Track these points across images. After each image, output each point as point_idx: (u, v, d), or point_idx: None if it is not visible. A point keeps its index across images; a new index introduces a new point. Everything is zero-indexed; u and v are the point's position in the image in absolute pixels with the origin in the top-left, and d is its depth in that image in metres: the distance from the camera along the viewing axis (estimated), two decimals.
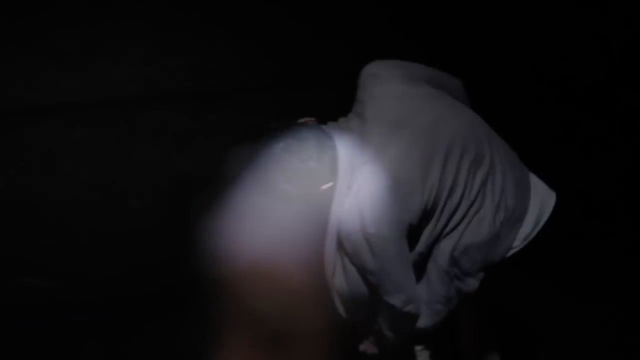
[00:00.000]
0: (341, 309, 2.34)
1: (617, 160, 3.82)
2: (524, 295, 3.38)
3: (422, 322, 2.38)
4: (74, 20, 3.30)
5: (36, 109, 3.38)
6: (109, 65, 3.38)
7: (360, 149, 2.21)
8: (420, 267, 2.33)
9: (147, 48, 3.40)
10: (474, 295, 2.42)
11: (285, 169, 2.13)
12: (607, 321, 3.30)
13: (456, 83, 2.49)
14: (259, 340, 2.38)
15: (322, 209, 2.17)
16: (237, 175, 2.15)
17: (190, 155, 3.51)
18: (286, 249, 2.10)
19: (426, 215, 2.26)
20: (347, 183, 2.19)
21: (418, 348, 2.56)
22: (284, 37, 3.48)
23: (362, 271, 2.22)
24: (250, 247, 2.11)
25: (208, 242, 2.17)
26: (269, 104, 3.49)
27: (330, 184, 2.18)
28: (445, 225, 2.31)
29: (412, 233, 2.26)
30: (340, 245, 2.22)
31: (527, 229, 2.41)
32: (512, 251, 2.40)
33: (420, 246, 2.30)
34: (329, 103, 2.71)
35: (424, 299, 2.35)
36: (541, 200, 2.46)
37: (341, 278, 2.27)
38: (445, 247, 2.32)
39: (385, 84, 2.29)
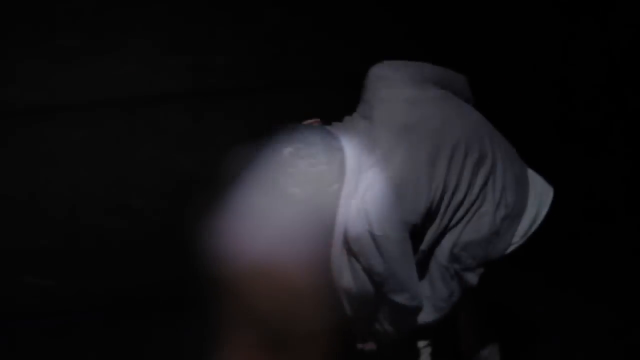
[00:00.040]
0: (347, 307, 2.35)
1: (618, 160, 3.83)
2: (524, 292, 3.39)
3: (424, 318, 2.40)
4: (75, 20, 3.30)
5: (37, 109, 3.38)
6: (110, 65, 3.38)
7: (368, 152, 2.21)
8: (421, 265, 2.34)
9: (148, 48, 3.40)
10: (475, 292, 2.44)
11: (295, 174, 2.11)
12: (607, 318, 3.31)
13: (461, 80, 2.50)
14: (261, 340, 2.38)
15: (328, 210, 2.16)
16: (242, 176, 2.14)
17: (192, 155, 3.51)
18: (290, 250, 2.10)
19: (430, 215, 2.28)
20: (354, 185, 2.19)
21: (419, 346, 2.56)
22: (285, 37, 3.48)
23: (369, 271, 2.23)
24: (253, 248, 2.10)
25: (210, 242, 2.16)
26: (270, 104, 3.48)
27: (337, 185, 2.17)
28: (448, 224, 2.33)
29: (416, 232, 2.27)
30: (347, 246, 2.22)
31: (526, 225, 2.43)
32: (512, 247, 2.42)
33: (423, 245, 2.32)
34: (329, 103, 2.71)
35: (425, 296, 2.37)
36: (540, 195, 2.48)
37: (348, 277, 2.27)
38: (445, 243, 2.35)
39: (394, 88, 2.28)
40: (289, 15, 3.45)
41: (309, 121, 2.29)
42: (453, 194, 2.29)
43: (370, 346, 2.53)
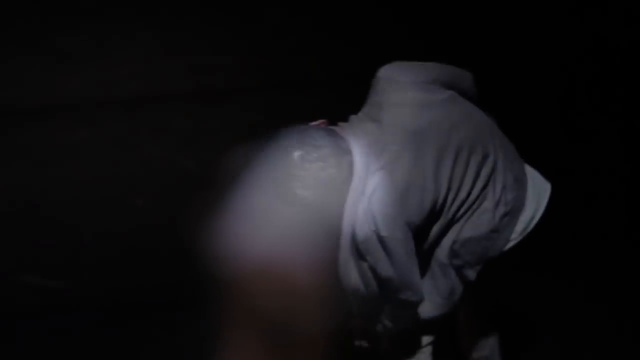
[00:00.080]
0: (353, 305, 2.35)
1: (619, 158, 3.84)
2: (524, 290, 3.40)
3: (426, 315, 2.41)
4: (76, 20, 3.30)
5: (38, 109, 3.39)
6: (111, 65, 3.39)
7: (377, 155, 2.20)
8: (423, 262, 2.36)
9: (149, 48, 3.41)
10: (475, 290, 2.46)
11: (305, 177, 2.10)
12: (608, 317, 3.32)
13: (468, 78, 2.50)
14: (262, 341, 2.38)
15: (335, 212, 2.15)
16: (248, 177, 2.12)
17: (193, 155, 3.51)
18: (297, 252, 2.09)
19: (434, 215, 2.30)
20: (362, 188, 2.18)
21: (420, 346, 2.56)
22: (286, 38, 3.48)
23: (375, 271, 2.24)
24: (260, 249, 2.10)
25: (215, 243, 2.15)
26: (271, 104, 3.48)
27: (345, 188, 2.17)
28: (449, 223, 2.35)
29: (419, 231, 2.28)
30: (355, 247, 2.22)
31: (524, 222, 2.45)
32: (510, 244, 2.44)
33: (425, 243, 2.34)
34: (331, 103, 2.71)
35: (427, 293, 2.38)
36: (538, 192, 2.50)
37: (356, 278, 2.28)
38: (446, 241, 2.37)
39: (404, 91, 2.27)
40: (290, 16, 3.45)
41: (316, 122, 2.28)
42: (456, 194, 2.31)
43: (368, 343, 2.54)
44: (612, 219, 3.81)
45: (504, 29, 3.60)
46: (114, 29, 3.34)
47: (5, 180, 3.46)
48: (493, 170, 2.37)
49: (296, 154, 2.11)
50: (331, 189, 2.13)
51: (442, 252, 2.37)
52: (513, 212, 2.42)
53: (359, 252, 2.22)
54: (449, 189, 2.29)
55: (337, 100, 3.05)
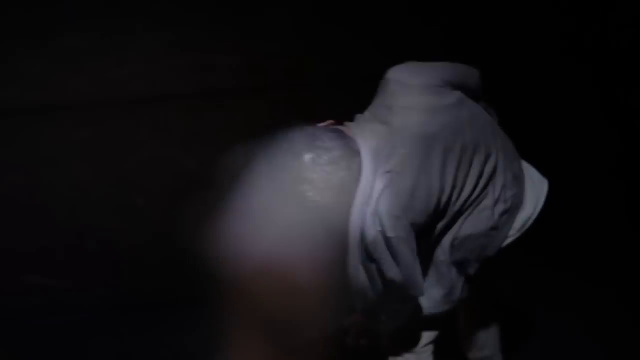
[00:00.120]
0: (359, 304, 2.36)
1: (618, 156, 3.85)
2: (524, 289, 3.41)
3: (426, 312, 2.44)
4: (79, 20, 3.30)
5: (39, 108, 3.39)
6: (113, 64, 3.38)
7: (385, 158, 2.21)
8: (423, 259, 2.37)
9: (151, 47, 3.40)
10: (475, 287, 2.49)
11: (316, 180, 2.09)
12: (609, 315, 3.33)
13: (475, 76, 2.51)
14: (265, 341, 2.38)
15: (343, 214, 2.15)
16: (254, 177, 2.11)
17: (195, 155, 3.51)
18: (302, 253, 2.08)
19: (437, 215, 2.31)
20: (369, 191, 2.18)
21: (420, 345, 2.57)
22: (288, 37, 3.48)
23: (383, 271, 2.25)
24: (265, 250, 2.09)
25: (221, 243, 2.14)
26: (274, 104, 3.48)
27: (354, 189, 2.17)
28: (451, 221, 2.37)
29: (422, 231, 2.30)
30: (363, 249, 2.22)
31: (523, 219, 2.48)
32: (508, 240, 2.46)
33: (427, 240, 2.35)
34: (333, 103, 2.72)
35: (427, 290, 2.40)
36: (536, 189, 2.53)
37: (364, 278, 2.28)
38: (446, 238, 2.39)
39: (415, 95, 2.27)
40: (292, 15, 3.45)
41: (325, 123, 2.27)
42: (459, 193, 2.33)
43: (363, 341, 2.55)
44: (612, 218, 3.82)
45: (503, 28, 3.61)
46: (117, 28, 3.34)
47: (7, 179, 3.46)
48: (494, 169, 2.39)
49: (307, 156, 2.10)
50: (341, 192, 2.12)
51: (442, 249, 2.39)
52: (512, 210, 2.44)
53: (367, 254, 2.23)
54: (452, 189, 2.30)
55: (340, 99, 3.06)
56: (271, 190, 2.11)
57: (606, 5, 3.68)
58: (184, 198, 3.31)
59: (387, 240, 2.20)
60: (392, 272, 2.24)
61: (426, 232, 2.32)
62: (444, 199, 2.29)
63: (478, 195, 2.37)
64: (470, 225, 2.38)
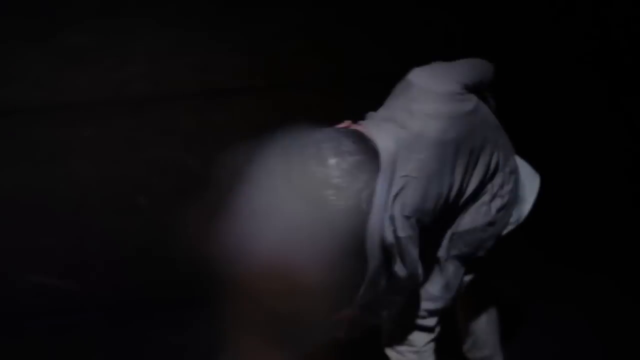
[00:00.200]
0: (361, 299, 2.37)
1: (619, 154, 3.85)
2: (523, 288, 3.41)
3: (426, 307, 2.47)
4: (82, 19, 3.31)
5: (44, 107, 3.40)
6: (117, 64, 3.40)
7: (403, 162, 2.21)
8: (422, 255, 2.38)
9: (155, 47, 3.42)
10: (472, 282, 2.52)
11: (340, 185, 2.06)
12: (609, 313, 3.33)
13: (491, 72, 2.52)
14: (268, 341, 2.38)
15: (361, 218, 2.14)
16: (270, 178, 2.09)
17: (198, 155, 3.51)
18: (320, 255, 2.07)
19: (442, 213, 2.33)
20: (387, 194, 2.19)
21: (422, 343, 2.58)
22: (292, 37, 3.48)
23: (396, 270, 2.28)
24: (283, 253, 2.08)
25: (228, 243, 2.13)
26: (277, 104, 3.48)
27: (373, 192, 2.16)
28: (451, 218, 2.40)
29: (426, 228, 2.32)
30: (381, 250, 2.24)
31: (519, 213, 2.52)
32: (505, 231, 2.50)
33: (427, 237, 2.36)
34: (336, 103, 2.72)
35: (425, 287, 2.45)
36: (530, 184, 2.56)
37: (380, 279, 2.30)
38: (444, 234, 2.42)
39: (437, 103, 2.26)
40: (295, 15, 3.45)
41: (343, 124, 2.25)
42: (464, 193, 2.36)
43: (355, 334, 2.57)
44: (612, 216, 3.81)
45: (509, 31, 3.61)
46: (120, 28, 3.36)
47: (11, 178, 3.47)
48: (497, 166, 2.42)
49: (332, 161, 2.07)
50: (362, 196, 2.11)
51: (440, 244, 2.42)
52: (508, 206, 2.47)
53: (385, 256, 2.24)
54: (459, 189, 2.33)
55: (343, 99, 3.06)
56: (290, 193, 2.08)
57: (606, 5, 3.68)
58: (187, 198, 3.32)
59: (397, 240, 2.21)
60: (398, 268, 2.26)
61: (428, 228, 2.33)
62: (450, 198, 2.31)
63: (479, 192, 2.40)
64: (468, 220, 2.41)
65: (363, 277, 2.23)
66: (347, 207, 2.06)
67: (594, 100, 3.78)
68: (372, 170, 2.13)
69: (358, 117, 2.36)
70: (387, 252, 2.23)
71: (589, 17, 3.66)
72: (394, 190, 2.19)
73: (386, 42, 3.46)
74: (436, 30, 3.51)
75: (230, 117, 3.52)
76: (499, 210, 2.44)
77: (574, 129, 3.76)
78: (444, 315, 2.56)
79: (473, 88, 2.38)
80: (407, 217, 2.21)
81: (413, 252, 2.26)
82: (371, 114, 2.36)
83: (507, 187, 2.46)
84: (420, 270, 2.33)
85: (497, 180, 2.43)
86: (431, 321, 2.51)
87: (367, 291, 2.29)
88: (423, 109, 2.25)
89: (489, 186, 2.42)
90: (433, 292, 2.46)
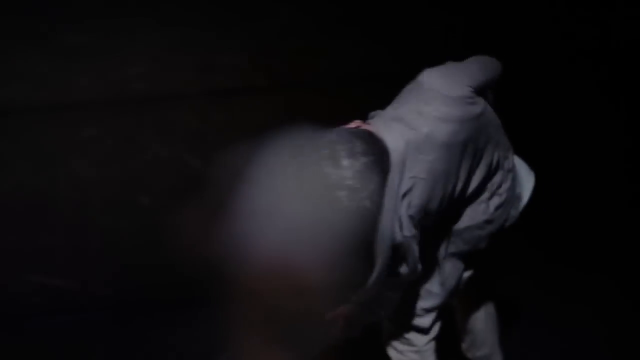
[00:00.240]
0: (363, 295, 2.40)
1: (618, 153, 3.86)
2: (523, 287, 3.42)
3: (424, 305, 2.50)
4: (83, 19, 3.31)
5: (44, 107, 3.39)
6: (118, 64, 3.39)
7: (411, 163, 2.22)
8: (421, 253, 2.41)
9: (157, 46, 3.41)
10: (470, 279, 2.54)
11: (354, 187, 2.05)
12: (608, 313, 3.34)
13: (498, 70, 2.52)
14: (273, 340, 2.39)
15: (372, 218, 2.15)
16: (280, 181, 2.09)
17: (200, 154, 3.52)
18: (331, 256, 2.07)
19: (444, 211, 2.35)
20: (396, 195, 2.20)
21: (423, 342, 2.59)
22: (293, 37, 3.48)
23: (400, 269, 2.30)
24: (285, 251, 2.08)
25: (234, 244, 2.13)
26: (279, 104, 3.48)
27: (383, 194, 2.17)
28: (451, 216, 2.42)
29: (427, 227, 2.34)
30: (390, 250, 2.25)
31: (516, 211, 2.56)
32: (501, 229, 2.53)
33: (427, 235, 2.38)
34: (338, 103, 2.73)
35: (422, 284, 2.48)
36: (525, 182, 2.59)
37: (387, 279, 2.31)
38: (443, 231, 2.44)
39: (449, 107, 2.27)
40: (297, 15, 3.45)
41: (353, 124, 2.24)
42: (466, 192, 2.38)
43: (351, 332, 2.58)
44: (611, 216, 3.82)
45: (503, 27, 3.61)
46: (121, 28, 3.35)
47: (12, 178, 3.47)
48: (497, 165, 2.44)
49: (345, 162, 2.07)
50: (374, 198, 2.11)
51: (439, 242, 2.45)
52: (506, 204, 2.50)
53: (394, 255, 2.26)
54: (462, 189, 2.35)
55: (343, 99, 3.06)
56: (303, 194, 2.07)
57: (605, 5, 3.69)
58: (188, 198, 3.33)
59: (405, 240, 2.24)
60: (403, 269, 2.29)
61: (428, 226, 2.35)
62: (453, 198, 2.34)
63: (480, 191, 2.42)
64: (467, 218, 2.43)
65: (370, 275, 2.25)
66: (359, 207, 2.07)
67: (594, 100, 3.79)
68: (383, 171, 2.14)
69: (358, 117, 2.35)
70: (396, 251, 2.24)
71: (588, 17, 3.67)
72: (402, 190, 2.20)
73: (386, 42, 3.46)
74: (436, 30, 3.51)
75: (231, 117, 3.51)
76: (497, 208, 2.47)
77: (573, 128, 3.77)
78: (443, 314, 2.57)
79: (482, 90, 2.40)
80: (411, 217, 2.22)
81: (415, 251, 2.27)
82: (379, 112, 2.36)
83: (505, 185, 2.48)
84: (419, 268, 2.34)
85: (497, 178, 2.45)
86: (428, 319, 2.53)
87: (371, 289, 2.30)
88: (433, 111, 2.26)
89: (489, 184, 2.44)
90: (430, 289, 2.48)
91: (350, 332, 2.61)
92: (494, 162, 2.41)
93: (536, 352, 3.19)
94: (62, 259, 3.58)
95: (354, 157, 2.07)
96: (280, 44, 3.48)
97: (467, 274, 2.53)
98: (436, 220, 2.36)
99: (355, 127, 2.21)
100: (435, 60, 2.47)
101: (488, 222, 2.46)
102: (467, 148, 2.30)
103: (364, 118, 2.36)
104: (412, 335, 2.56)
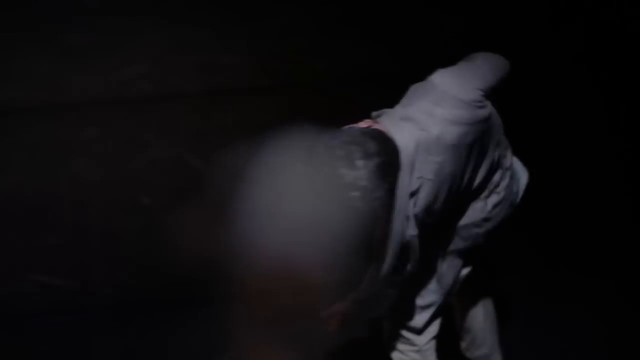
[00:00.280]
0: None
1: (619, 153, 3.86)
2: (522, 286, 3.42)
3: (421, 303, 2.50)
4: (85, 20, 3.32)
5: (46, 107, 3.40)
6: (120, 64, 3.40)
7: (420, 163, 2.21)
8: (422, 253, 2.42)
9: (158, 46, 3.42)
10: (467, 277, 2.54)
11: (368, 188, 2.05)
12: (607, 303, 3.34)
13: (507, 69, 2.50)
14: (275, 339, 2.39)
15: (381, 218, 2.15)
16: (291, 182, 2.09)
17: (202, 154, 3.52)
18: (336, 252, 2.08)
19: (444, 213, 2.36)
20: (406, 196, 2.21)
21: (423, 341, 2.59)
22: (295, 37, 3.49)
23: (402, 266, 2.32)
24: (296, 251, 2.08)
25: (246, 242, 2.13)
26: (280, 104, 3.48)
27: (393, 195, 2.18)
28: (452, 214, 2.42)
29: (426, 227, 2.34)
30: (400, 249, 2.26)
31: (512, 208, 2.55)
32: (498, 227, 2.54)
33: (427, 237, 2.38)
34: (340, 103, 2.73)
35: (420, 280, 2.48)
36: (520, 180, 2.58)
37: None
38: (442, 229, 2.43)
39: (460, 109, 2.26)
40: (299, 16, 3.46)
41: (364, 124, 2.23)
42: (468, 193, 2.39)
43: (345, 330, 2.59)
44: (611, 218, 3.82)
45: (503, 27, 3.61)
46: (124, 29, 3.36)
47: (13, 178, 3.47)
48: (498, 164, 2.45)
49: (359, 163, 2.07)
50: (385, 198, 2.12)
51: (438, 240, 2.44)
52: (504, 202, 2.50)
53: (403, 254, 2.27)
54: (466, 189, 2.36)
55: (343, 99, 3.07)
56: (316, 194, 2.07)
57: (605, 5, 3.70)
58: (190, 198, 3.33)
59: (410, 239, 2.25)
60: (411, 263, 2.30)
61: (429, 225, 2.35)
62: (456, 198, 2.34)
63: (480, 190, 2.43)
64: (465, 216, 2.44)
65: (379, 274, 2.26)
66: (372, 208, 2.08)
67: (594, 100, 3.79)
68: (394, 171, 2.15)
69: (358, 116, 2.36)
70: (404, 250, 2.26)
71: (588, 17, 3.67)
72: (410, 190, 2.21)
73: (386, 42, 3.47)
74: (436, 30, 3.51)
75: (233, 117, 3.52)
76: (495, 206, 2.47)
77: (572, 130, 3.77)
78: (442, 313, 2.57)
79: (491, 92, 2.39)
80: (415, 216, 2.23)
81: (417, 249, 2.28)
82: (386, 111, 2.34)
83: (504, 183, 2.48)
84: (419, 266, 2.35)
85: (496, 177, 2.46)
86: (425, 315, 2.53)
87: (374, 287, 2.31)
88: (444, 113, 2.25)
89: (488, 185, 2.45)
90: (427, 287, 2.48)
91: (349, 330, 2.61)
92: (495, 161, 2.42)
93: (536, 352, 3.18)
94: (63, 258, 3.57)
95: (368, 158, 2.07)
96: (280, 44, 3.49)
97: (464, 272, 2.54)
98: (436, 220, 2.37)
99: (367, 127, 2.20)
100: (435, 60, 2.47)
101: (486, 220, 2.47)
102: (473, 150, 2.30)
103: (364, 118, 2.35)
104: (411, 335, 2.56)
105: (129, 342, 3.39)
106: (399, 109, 2.32)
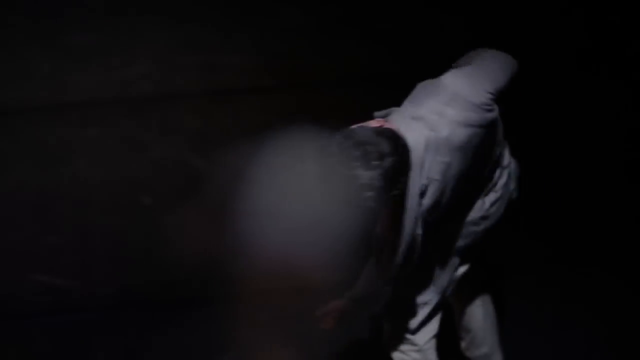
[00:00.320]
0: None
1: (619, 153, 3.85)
2: (522, 285, 3.42)
3: (419, 301, 2.52)
4: (86, 19, 3.31)
5: (47, 107, 3.39)
6: (122, 64, 3.39)
7: (429, 163, 2.23)
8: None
9: (160, 46, 3.41)
10: (465, 276, 2.56)
11: (380, 188, 2.07)
12: (608, 301, 3.34)
13: (515, 69, 2.52)
14: (276, 339, 2.39)
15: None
16: (307, 182, 2.09)
17: (202, 155, 3.52)
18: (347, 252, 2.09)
19: (445, 213, 2.37)
20: (416, 196, 2.21)
21: (423, 341, 2.60)
22: (296, 37, 3.48)
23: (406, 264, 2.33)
24: (307, 251, 2.08)
25: (257, 244, 2.13)
26: (282, 104, 3.48)
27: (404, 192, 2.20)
28: (451, 213, 2.43)
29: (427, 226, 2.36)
30: (410, 245, 2.27)
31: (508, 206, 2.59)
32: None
33: (427, 235, 2.39)
34: (341, 103, 2.72)
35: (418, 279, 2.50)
36: (515, 177, 2.61)
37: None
38: (441, 228, 2.45)
39: (470, 112, 2.28)
40: (301, 15, 3.45)
41: (375, 123, 2.23)
42: (470, 193, 2.42)
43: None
44: (612, 216, 3.82)
45: (503, 27, 3.61)
46: (125, 28, 3.35)
47: (14, 178, 3.46)
48: (497, 163, 2.48)
49: (374, 163, 2.08)
50: (398, 198, 2.13)
51: (437, 238, 2.45)
52: (502, 200, 2.53)
53: (411, 253, 2.28)
54: (468, 189, 2.39)
55: (344, 99, 3.07)
56: (332, 194, 2.09)
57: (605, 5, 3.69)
58: (191, 198, 3.33)
59: (414, 237, 2.27)
60: (408, 263, 2.32)
61: (429, 223, 2.37)
62: (459, 198, 2.37)
63: (480, 189, 2.46)
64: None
65: (384, 273, 2.27)
66: (382, 207, 2.09)
67: (594, 100, 3.79)
68: (406, 171, 2.16)
69: (358, 116, 2.35)
70: (411, 248, 2.28)
71: (589, 17, 3.67)
72: (420, 189, 2.23)
73: (386, 42, 3.46)
74: (436, 30, 3.51)
75: (234, 118, 3.51)
76: (492, 204, 2.49)
77: (574, 128, 3.77)
78: (441, 311, 2.57)
79: (500, 94, 2.40)
80: (421, 215, 2.25)
81: (419, 248, 2.30)
82: (394, 109, 2.34)
83: (501, 182, 2.50)
84: (417, 264, 2.36)
85: (495, 175, 2.49)
86: (423, 313, 2.54)
87: (377, 284, 2.33)
88: (454, 115, 2.26)
89: (487, 185, 2.48)
90: (424, 285, 2.50)
91: (345, 326, 2.62)
92: (495, 160, 2.44)
93: (536, 351, 3.19)
94: (63, 258, 3.57)
95: (382, 158, 2.09)
96: (281, 44, 3.48)
97: (461, 270, 2.55)
98: (437, 218, 2.37)
99: (379, 126, 2.20)
100: (435, 60, 2.48)
101: (484, 218, 2.49)
102: (479, 150, 2.32)
103: (364, 118, 2.35)
104: (412, 335, 2.57)
105: (129, 342, 3.40)
106: (409, 108, 2.32)
